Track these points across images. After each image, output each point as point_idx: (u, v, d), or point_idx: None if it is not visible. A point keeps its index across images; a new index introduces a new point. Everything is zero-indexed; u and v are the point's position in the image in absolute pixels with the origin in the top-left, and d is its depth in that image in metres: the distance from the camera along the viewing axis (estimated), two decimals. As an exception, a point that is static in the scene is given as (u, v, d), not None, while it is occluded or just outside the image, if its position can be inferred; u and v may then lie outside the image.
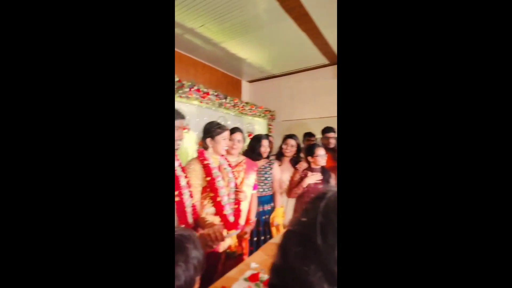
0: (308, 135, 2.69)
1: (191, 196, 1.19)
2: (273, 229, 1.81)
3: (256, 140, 1.89)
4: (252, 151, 1.84)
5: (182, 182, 1.13)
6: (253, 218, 1.61)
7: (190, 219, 1.13)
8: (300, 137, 2.45)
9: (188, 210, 1.14)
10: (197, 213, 1.20)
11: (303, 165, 1.95)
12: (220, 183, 1.34)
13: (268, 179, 1.87)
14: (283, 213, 1.90)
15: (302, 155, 2.11)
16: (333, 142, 2.33)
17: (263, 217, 1.81)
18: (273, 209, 1.87)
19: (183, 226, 1.10)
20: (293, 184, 1.94)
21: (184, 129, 1.19)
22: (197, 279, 0.51)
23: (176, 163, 1.16)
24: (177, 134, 1.08)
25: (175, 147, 1.10)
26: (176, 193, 1.10)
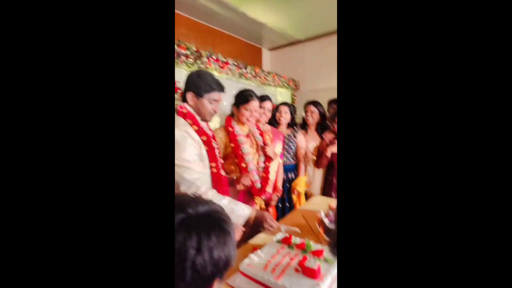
0: (334, 102, 2.49)
1: (222, 167, 1.16)
2: (294, 197, 1.76)
3: (276, 108, 1.86)
4: (273, 119, 1.83)
5: (217, 153, 1.11)
6: (280, 186, 1.57)
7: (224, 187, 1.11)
8: (325, 104, 2.30)
9: (223, 181, 1.12)
10: (227, 185, 1.17)
11: (328, 136, 1.82)
12: (245, 149, 1.32)
13: (292, 147, 1.81)
14: (306, 183, 1.85)
15: (328, 122, 1.98)
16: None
17: (287, 185, 1.80)
18: (297, 177, 1.84)
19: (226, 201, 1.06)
20: (319, 154, 1.83)
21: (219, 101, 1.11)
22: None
23: (210, 133, 1.13)
24: (214, 107, 1.07)
25: (209, 119, 1.10)
26: (213, 165, 1.07)
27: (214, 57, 2.59)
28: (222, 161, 1.14)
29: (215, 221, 0.39)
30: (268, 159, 1.43)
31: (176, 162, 0.91)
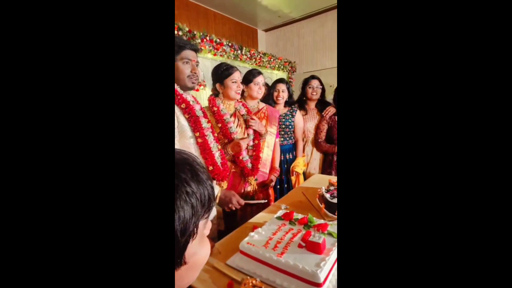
0: None
1: (216, 140, 1.09)
2: (293, 178, 1.73)
3: (272, 86, 1.78)
4: (269, 97, 1.75)
5: (204, 123, 1.02)
6: (277, 166, 1.52)
7: (218, 160, 1.05)
8: (329, 89, 2.24)
9: (216, 153, 1.05)
10: (225, 159, 1.13)
11: (330, 110, 1.76)
12: (232, 129, 1.27)
13: (290, 127, 1.75)
14: (305, 163, 1.81)
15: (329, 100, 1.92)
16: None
17: (285, 166, 1.74)
18: (295, 158, 1.78)
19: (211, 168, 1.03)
20: (319, 135, 1.78)
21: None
22: (203, 227, 0.35)
23: (197, 106, 1.05)
24: (189, 67, 0.98)
25: (189, 85, 1.01)
26: (197, 134, 1.00)
27: (208, 38, 2.49)
28: (209, 131, 1.05)
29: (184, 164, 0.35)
30: (257, 136, 1.37)
31: None
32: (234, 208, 1.00)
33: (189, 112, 0.98)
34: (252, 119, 1.33)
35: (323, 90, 1.87)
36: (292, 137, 1.78)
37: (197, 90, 2.46)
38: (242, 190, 1.29)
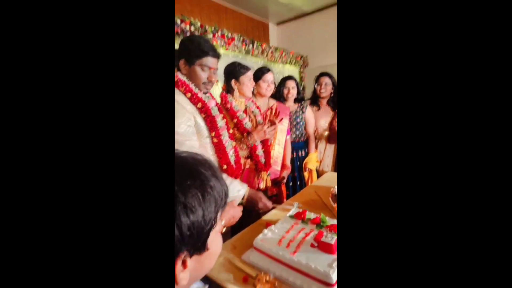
0: None
1: (231, 138, 1.11)
2: (306, 174, 1.74)
3: (281, 83, 1.78)
4: (279, 94, 1.75)
5: (220, 122, 1.04)
6: (288, 163, 1.53)
7: (232, 159, 1.07)
8: None
9: (230, 152, 1.07)
10: (239, 157, 1.15)
11: None
12: (248, 125, 1.29)
13: (300, 123, 1.75)
14: (317, 159, 1.80)
15: None
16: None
17: (298, 163, 1.75)
18: (307, 155, 1.78)
19: (225, 167, 1.05)
20: (333, 129, 1.77)
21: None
22: (219, 218, 0.39)
23: (213, 103, 1.06)
24: (207, 74, 1.00)
25: (203, 90, 1.03)
26: (213, 134, 1.01)
27: (220, 33, 2.49)
28: (225, 129, 1.07)
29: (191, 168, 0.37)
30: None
31: None
32: (261, 211, 1.00)
33: (205, 111, 1.00)
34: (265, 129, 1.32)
35: (335, 88, 1.85)
36: (303, 134, 1.78)
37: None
38: (256, 187, 1.31)
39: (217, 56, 1.00)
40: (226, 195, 0.39)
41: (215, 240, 0.39)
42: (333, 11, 3.20)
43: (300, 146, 1.77)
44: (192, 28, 2.26)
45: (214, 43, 2.48)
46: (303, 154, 1.78)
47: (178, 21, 2.15)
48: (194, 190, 0.34)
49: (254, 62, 2.97)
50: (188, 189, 0.33)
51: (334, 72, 3.01)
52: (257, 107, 1.41)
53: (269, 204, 0.99)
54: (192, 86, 0.99)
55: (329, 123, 1.85)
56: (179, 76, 0.99)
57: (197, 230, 0.33)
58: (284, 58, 3.18)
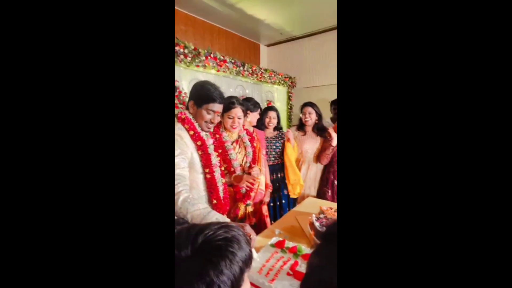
0: (335, 103, 2.54)
1: (222, 175, 1.21)
2: (289, 186, 1.89)
3: (264, 112, 1.94)
4: (261, 123, 1.90)
5: (214, 160, 1.14)
6: (269, 182, 1.64)
7: (221, 194, 1.16)
8: (326, 105, 2.44)
9: (220, 188, 1.16)
10: (228, 193, 1.23)
11: (333, 135, 1.89)
12: (232, 155, 1.36)
13: (278, 148, 1.92)
14: (295, 148, 1.96)
15: (328, 122, 2.07)
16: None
17: (277, 184, 1.89)
18: (284, 177, 1.93)
19: (225, 216, 1.08)
20: (322, 149, 1.90)
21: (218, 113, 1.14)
22: (245, 277, 0.45)
23: (211, 141, 1.17)
24: (211, 117, 1.11)
25: (205, 129, 1.13)
26: (207, 170, 1.12)
27: (212, 56, 2.61)
28: (218, 166, 1.17)
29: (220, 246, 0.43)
30: (253, 163, 1.45)
31: None
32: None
33: (203, 149, 1.10)
34: (253, 164, 1.39)
35: (319, 115, 2.01)
36: (280, 158, 1.93)
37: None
38: (233, 216, 1.36)
39: (223, 102, 1.13)
40: (251, 258, 0.45)
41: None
42: (321, 37, 3.43)
43: (277, 168, 1.91)
44: (186, 51, 2.38)
45: (206, 65, 2.60)
46: (280, 176, 1.92)
47: (173, 44, 2.26)
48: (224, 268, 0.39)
49: (244, 82, 3.11)
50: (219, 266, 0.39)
51: (321, 92, 3.19)
52: (251, 139, 1.46)
53: (254, 236, 0.96)
54: (196, 124, 1.11)
55: (319, 147, 1.96)
56: (187, 114, 1.12)
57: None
58: (273, 79, 3.34)
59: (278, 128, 1.97)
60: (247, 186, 1.34)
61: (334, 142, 1.76)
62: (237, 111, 1.34)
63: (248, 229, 0.89)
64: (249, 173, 1.39)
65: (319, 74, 3.53)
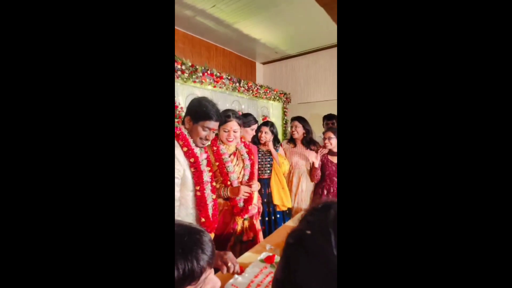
0: (327, 118, 2.61)
1: (213, 191, 1.19)
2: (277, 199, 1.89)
3: (258, 128, 1.97)
4: (256, 137, 1.93)
5: (205, 177, 1.13)
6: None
7: (210, 212, 1.15)
8: (319, 120, 2.53)
9: (210, 204, 1.15)
10: (217, 209, 1.21)
11: (323, 150, 1.95)
12: (230, 168, 1.34)
13: (270, 163, 1.94)
14: (285, 159, 2.00)
15: (320, 137, 2.12)
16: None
17: (265, 199, 1.88)
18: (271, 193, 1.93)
19: (203, 220, 1.12)
20: (311, 169, 1.94)
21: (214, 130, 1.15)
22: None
23: (204, 156, 1.16)
24: (206, 134, 1.11)
25: (199, 145, 1.13)
26: (197, 188, 1.10)
27: (209, 72, 2.69)
28: (209, 183, 1.16)
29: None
30: (251, 177, 1.44)
31: None
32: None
33: (196, 167, 1.10)
34: (252, 179, 1.39)
35: (307, 130, 2.06)
36: (270, 172, 1.95)
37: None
38: (231, 230, 1.36)
39: (219, 120, 1.13)
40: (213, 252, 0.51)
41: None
42: (315, 55, 3.56)
43: (267, 182, 1.91)
44: (183, 67, 2.45)
45: (203, 81, 2.67)
46: (270, 191, 1.93)
47: (171, 61, 2.33)
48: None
49: (240, 97, 3.18)
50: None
51: (315, 108, 3.25)
52: (248, 152, 1.46)
53: (236, 267, 0.89)
54: (190, 141, 1.10)
55: (312, 163, 2.00)
56: (182, 130, 1.11)
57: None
58: (268, 94, 3.42)
59: (274, 142, 1.99)
60: (245, 198, 1.33)
61: (317, 164, 1.89)
62: (233, 124, 1.34)
63: (230, 257, 0.88)
64: (247, 186, 1.37)
65: (314, 91, 3.63)
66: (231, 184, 1.34)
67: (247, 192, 1.31)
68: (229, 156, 1.38)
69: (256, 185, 1.39)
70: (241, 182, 1.40)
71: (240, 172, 1.42)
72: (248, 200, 1.38)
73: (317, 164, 1.89)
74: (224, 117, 1.32)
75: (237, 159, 1.43)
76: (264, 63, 4.07)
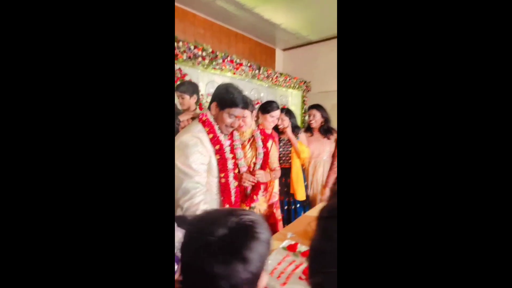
0: None
1: (235, 178, 1.19)
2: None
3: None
4: (276, 125, 1.87)
5: (229, 164, 1.13)
6: (276, 165, 1.55)
7: (233, 198, 1.16)
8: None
9: (232, 191, 1.15)
10: (239, 196, 1.22)
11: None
12: (238, 154, 1.32)
13: (287, 153, 1.89)
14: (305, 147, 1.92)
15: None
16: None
17: (285, 189, 1.86)
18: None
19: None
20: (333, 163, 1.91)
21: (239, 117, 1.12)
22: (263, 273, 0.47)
23: (228, 143, 1.16)
24: (232, 121, 1.08)
25: (225, 133, 1.11)
26: (222, 175, 1.11)
27: (229, 59, 2.66)
28: (232, 171, 1.16)
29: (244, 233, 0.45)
30: (264, 166, 1.41)
31: (180, 165, 0.95)
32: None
33: (220, 154, 1.09)
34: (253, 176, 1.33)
35: (325, 118, 2.00)
36: (289, 161, 1.90)
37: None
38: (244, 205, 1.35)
39: (246, 107, 1.10)
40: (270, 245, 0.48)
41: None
42: (336, 42, 3.40)
43: (287, 171, 1.87)
44: (204, 53, 2.43)
45: (223, 68, 2.65)
46: (290, 181, 1.89)
47: (192, 47, 2.31)
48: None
49: (259, 85, 3.14)
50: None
51: (336, 97, 3.14)
52: (263, 140, 1.43)
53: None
54: (216, 127, 1.09)
55: (332, 154, 1.96)
56: (208, 116, 1.10)
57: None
58: (288, 82, 3.34)
59: (294, 129, 1.93)
60: (248, 186, 1.32)
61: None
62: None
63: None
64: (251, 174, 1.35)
65: (334, 79, 3.50)
66: (239, 171, 1.33)
67: (250, 181, 1.29)
68: (242, 143, 1.37)
69: (262, 175, 1.36)
70: (251, 170, 1.38)
71: (251, 160, 1.41)
72: (255, 189, 1.35)
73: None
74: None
75: (250, 146, 1.41)
76: (284, 50, 3.96)
